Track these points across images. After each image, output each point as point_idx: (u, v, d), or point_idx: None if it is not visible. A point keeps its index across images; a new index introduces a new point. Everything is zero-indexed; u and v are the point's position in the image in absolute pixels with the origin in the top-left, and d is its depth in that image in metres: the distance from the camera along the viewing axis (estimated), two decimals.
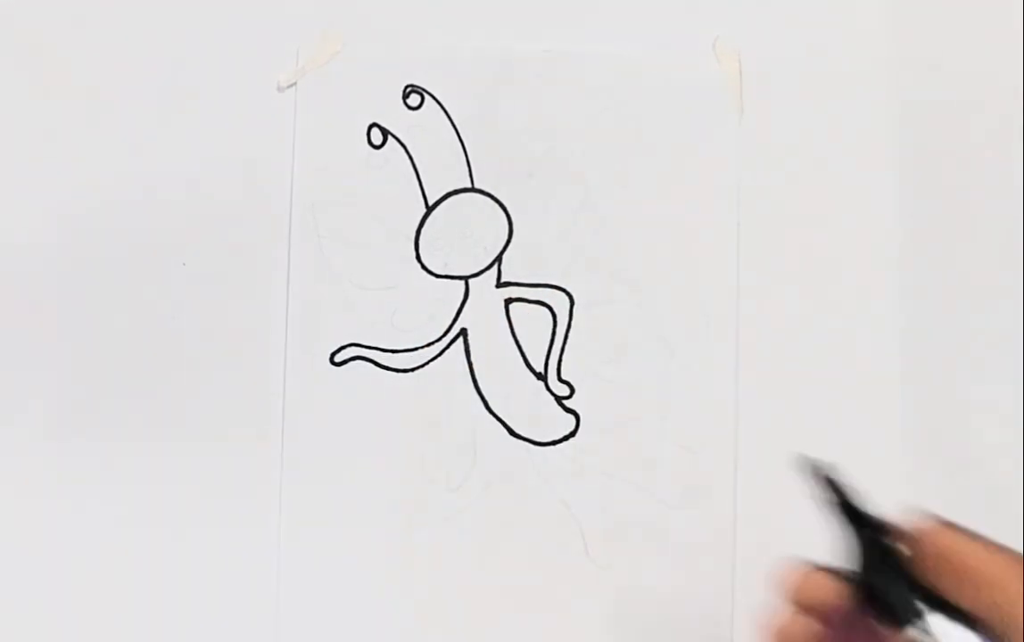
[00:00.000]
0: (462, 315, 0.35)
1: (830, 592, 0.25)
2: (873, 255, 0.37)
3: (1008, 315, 0.37)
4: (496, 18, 0.36)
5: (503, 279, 0.35)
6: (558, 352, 0.35)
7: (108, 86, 0.34)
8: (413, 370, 0.35)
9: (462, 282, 0.35)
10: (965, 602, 0.24)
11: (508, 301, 0.35)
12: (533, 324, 0.35)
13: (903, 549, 0.25)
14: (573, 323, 0.35)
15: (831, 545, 0.25)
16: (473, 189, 0.35)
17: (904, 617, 0.25)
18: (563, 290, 0.35)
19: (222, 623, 0.34)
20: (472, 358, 0.35)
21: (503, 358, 0.35)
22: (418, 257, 0.35)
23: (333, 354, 0.34)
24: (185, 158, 0.34)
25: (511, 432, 0.35)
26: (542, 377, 0.35)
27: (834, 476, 0.27)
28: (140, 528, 0.34)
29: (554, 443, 0.35)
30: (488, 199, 0.35)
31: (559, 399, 0.35)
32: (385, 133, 0.35)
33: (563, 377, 0.35)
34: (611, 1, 0.36)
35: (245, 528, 0.34)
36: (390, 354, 0.35)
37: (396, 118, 0.35)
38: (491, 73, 0.36)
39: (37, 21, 0.34)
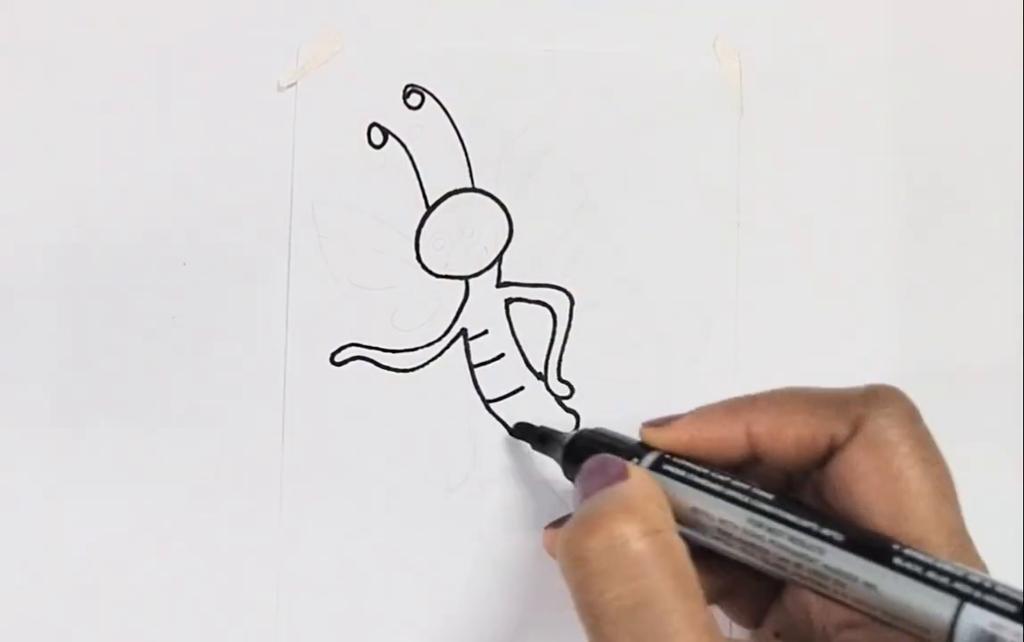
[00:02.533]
0: (462, 315, 0.35)
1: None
2: (873, 255, 0.37)
3: (1008, 318, 0.37)
4: (496, 18, 0.36)
5: (503, 279, 0.35)
6: (558, 352, 0.35)
7: (107, 85, 0.34)
8: (413, 370, 0.35)
9: (462, 282, 0.35)
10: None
11: (508, 301, 0.35)
12: (533, 324, 0.35)
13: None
14: (573, 323, 0.35)
15: None
16: (473, 189, 0.35)
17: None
18: (563, 290, 0.35)
19: (221, 623, 0.34)
20: (472, 358, 0.35)
21: (503, 358, 0.35)
22: (418, 257, 0.35)
23: (333, 354, 0.34)
24: (184, 158, 0.34)
25: (511, 432, 0.35)
26: (542, 377, 0.35)
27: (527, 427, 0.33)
28: (138, 528, 0.34)
29: None
30: (488, 199, 0.35)
31: (559, 399, 0.35)
32: (385, 133, 0.35)
33: (563, 377, 0.35)
34: (611, 1, 0.36)
35: (244, 528, 0.34)
36: (390, 354, 0.35)
37: (396, 118, 0.35)
38: (491, 73, 0.36)
39: (36, 20, 0.34)
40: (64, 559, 0.34)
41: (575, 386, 0.35)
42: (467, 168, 0.35)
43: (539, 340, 0.35)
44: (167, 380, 0.34)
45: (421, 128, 0.35)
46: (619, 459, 0.27)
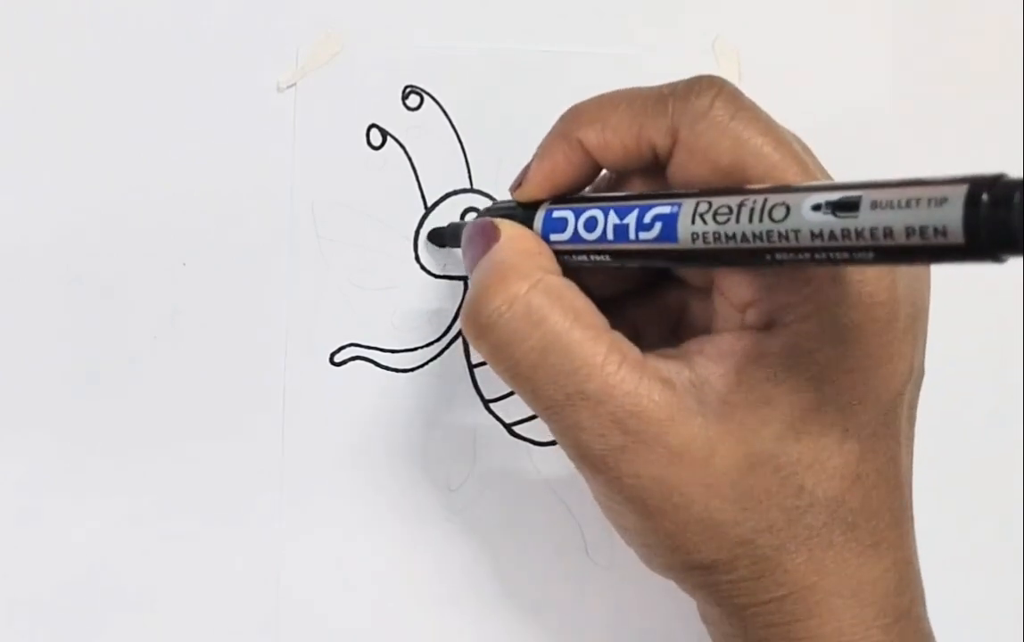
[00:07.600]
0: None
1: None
2: None
3: (1008, 319, 0.37)
4: (496, 18, 0.36)
5: None
6: None
7: (107, 85, 0.34)
8: (413, 370, 0.35)
9: (462, 282, 0.35)
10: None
11: None
12: None
13: None
14: None
15: None
16: (473, 189, 0.35)
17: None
18: None
19: (222, 623, 0.34)
20: (472, 358, 0.35)
21: None
22: (417, 257, 0.35)
23: (333, 354, 0.35)
24: (184, 158, 0.34)
25: (511, 432, 0.35)
26: None
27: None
28: (138, 528, 0.34)
29: (554, 443, 0.35)
30: (488, 199, 0.35)
31: None
32: (384, 134, 0.35)
33: None
34: (611, 1, 0.36)
35: (244, 527, 0.34)
36: (390, 354, 0.35)
37: (395, 119, 0.35)
38: (491, 73, 0.36)
39: (36, 21, 0.34)
40: (64, 558, 0.34)
41: None
42: (466, 169, 0.35)
43: None
44: (167, 380, 0.34)
45: (420, 129, 0.35)
46: (488, 219, 0.27)
